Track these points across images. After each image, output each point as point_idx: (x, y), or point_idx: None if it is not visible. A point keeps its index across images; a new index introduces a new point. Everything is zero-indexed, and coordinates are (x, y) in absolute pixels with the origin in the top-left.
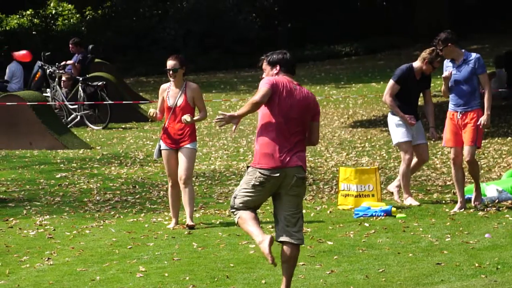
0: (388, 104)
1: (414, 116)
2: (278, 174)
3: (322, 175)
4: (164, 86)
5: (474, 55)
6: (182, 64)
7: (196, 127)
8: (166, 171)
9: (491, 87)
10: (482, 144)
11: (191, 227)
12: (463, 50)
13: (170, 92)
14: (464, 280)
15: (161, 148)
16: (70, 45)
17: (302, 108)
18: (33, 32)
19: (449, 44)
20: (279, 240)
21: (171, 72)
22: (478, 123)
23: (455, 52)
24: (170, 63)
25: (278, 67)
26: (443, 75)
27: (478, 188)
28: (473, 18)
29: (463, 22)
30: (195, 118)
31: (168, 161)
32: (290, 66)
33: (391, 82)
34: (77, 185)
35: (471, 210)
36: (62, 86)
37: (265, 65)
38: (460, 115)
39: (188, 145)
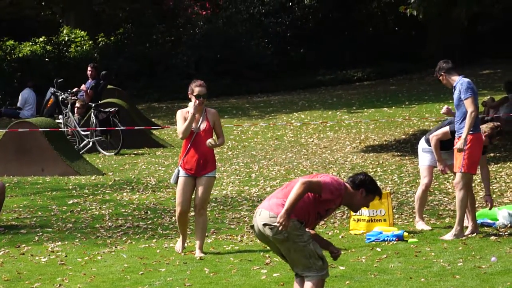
0: (433, 145)
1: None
2: (253, 224)
3: None
4: (183, 111)
5: (459, 81)
6: (207, 90)
7: None
8: (177, 197)
9: (504, 112)
10: (494, 169)
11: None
12: (459, 76)
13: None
14: None
15: (179, 175)
16: (90, 69)
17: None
18: (46, 59)
19: (442, 73)
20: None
21: (200, 98)
22: (455, 146)
23: (450, 80)
24: (200, 89)
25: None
26: (441, 111)
27: (459, 222)
28: (486, 43)
29: (476, 47)
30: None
31: (183, 189)
32: (352, 182)
33: (446, 129)
34: (89, 211)
35: (483, 235)
36: (75, 112)
37: None
38: (456, 140)
39: (210, 174)
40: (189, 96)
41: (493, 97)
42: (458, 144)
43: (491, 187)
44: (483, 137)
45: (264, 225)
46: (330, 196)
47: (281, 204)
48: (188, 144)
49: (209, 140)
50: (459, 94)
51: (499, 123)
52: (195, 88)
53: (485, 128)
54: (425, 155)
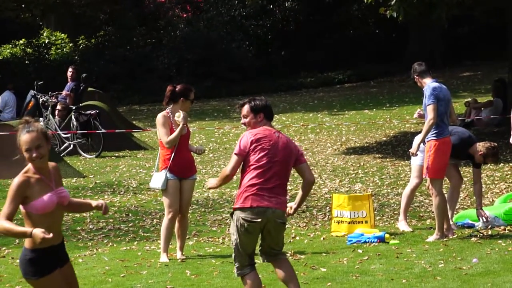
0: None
1: None
2: (260, 220)
3: (316, 201)
4: (165, 115)
5: (427, 85)
6: None
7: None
8: (169, 201)
9: (486, 115)
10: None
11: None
12: (431, 80)
13: (173, 120)
14: None
15: (168, 179)
16: (71, 70)
17: (285, 154)
18: (26, 62)
19: (415, 75)
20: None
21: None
22: (411, 151)
23: (422, 83)
24: (193, 94)
25: (262, 115)
26: (414, 116)
27: (439, 228)
28: (465, 45)
29: (456, 49)
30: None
31: (175, 191)
32: (270, 113)
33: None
34: (70, 214)
35: (464, 236)
36: (55, 115)
37: (247, 111)
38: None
39: (194, 176)
40: (181, 101)
41: (476, 98)
42: (412, 149)
43: (472, 189)
44: (478, 154)
45: (283, 223)
46: None
47: (285, 201)
48: (175, 148)
49: (202, 148)
50: (424, 99)
51: (495, 144)
52: (191, 93)
53: (481, 147)
54: (418, 154)
